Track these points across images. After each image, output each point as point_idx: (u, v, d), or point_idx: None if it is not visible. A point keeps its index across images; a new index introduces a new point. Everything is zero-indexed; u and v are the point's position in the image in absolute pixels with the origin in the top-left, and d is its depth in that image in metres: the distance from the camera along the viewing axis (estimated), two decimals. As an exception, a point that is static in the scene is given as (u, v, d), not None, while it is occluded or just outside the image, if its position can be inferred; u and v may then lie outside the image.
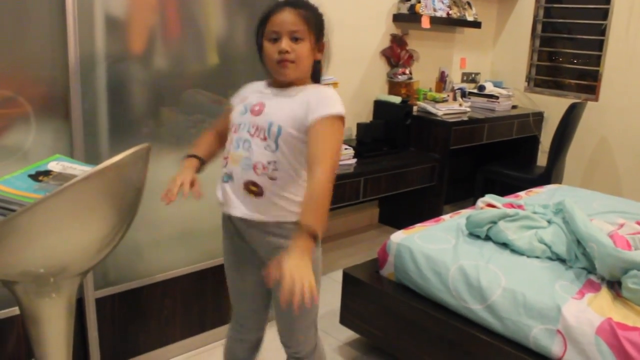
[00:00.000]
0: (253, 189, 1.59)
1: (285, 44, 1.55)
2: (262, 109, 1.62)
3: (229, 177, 1.64)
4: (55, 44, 1.88)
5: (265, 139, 1.58)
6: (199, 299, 2.48)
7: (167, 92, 2.21)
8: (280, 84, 1.64)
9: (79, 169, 1.51)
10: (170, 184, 1.61)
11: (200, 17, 2.23)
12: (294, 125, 1.57)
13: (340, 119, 1.56)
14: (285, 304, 1.26)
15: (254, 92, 1.69)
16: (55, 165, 1.52)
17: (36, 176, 1.45)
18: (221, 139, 1.76)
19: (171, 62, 2.20)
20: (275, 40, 1.57)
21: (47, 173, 1.47)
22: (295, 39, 1.57)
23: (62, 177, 1.46)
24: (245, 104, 1.66)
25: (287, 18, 1.56)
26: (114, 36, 2.02)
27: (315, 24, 1.61)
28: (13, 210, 1.33)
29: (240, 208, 1.62)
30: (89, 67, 1.97)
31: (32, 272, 1.42)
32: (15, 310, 1.95)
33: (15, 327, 1.97)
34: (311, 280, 1.28)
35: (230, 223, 1.71)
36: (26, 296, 1.49)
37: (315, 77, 1.70)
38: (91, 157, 1.99)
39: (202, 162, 1.75)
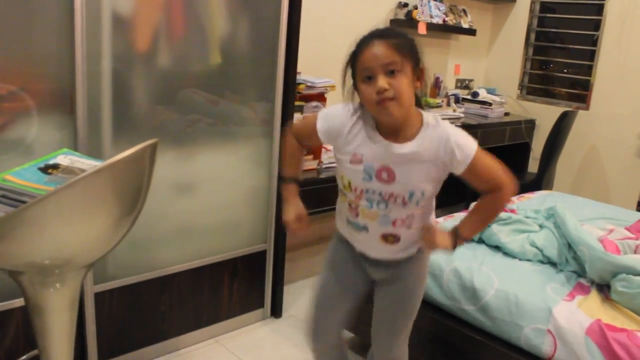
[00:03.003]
0: (391, 239, 1.64)
1: (381, 81, 1.40)
2: (393, 176, 1.53)
3: (362, 228, 1.64)
4: (63, 40, 1.91)
5: (405, 203, 1.57)
6: (195, 295, 2.51)
7: (170, 90, 2.24)
8: (387, 125, 1.51)
9: (87, 163, 1.54)
10: (288, 221, 1.71)
11: (204, 17, 2.27)
12: (434, 184, 1.58)
13: (479, 148, 1.56)
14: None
15: (362, 138, 1.54)
16: (64, 158, 1.55)
17: (45, 169, 1.47)
18: (302, 150, 1.80)
19: (175, 61, 2.23)
20: (370, 79, 1.42)
21: (55, 166, 1.50)
22: (391, 72, 1.41)
23: (70, 171, 1.49)
24: (366, 166, 1.53)
25: (378, 52, 1.40)
26: (120, 34, 2.05)
27: (410, 51, 1.46)
28: (24, 202, 1.36)
29: (374, 252, 1.70)
30: (95, 64, 2.00)
31: (37, 263, 1.45)
32: (14, 303, 1.97)
33: (14, 319, 2.00)
34: (443, 244, 1.60)
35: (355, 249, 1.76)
36: (31, 286, 1.51)
37: (418, 104, 1.56)
38: (94, 152, 2.02)
39: (299, 184, 1.78)
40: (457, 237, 1.63)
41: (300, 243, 3.57)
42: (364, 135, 1.53)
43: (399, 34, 1.47)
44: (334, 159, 1.71)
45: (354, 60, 1.46)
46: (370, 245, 1.68)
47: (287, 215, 1.71)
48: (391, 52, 1.41)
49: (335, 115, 1.59)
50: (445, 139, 1.52)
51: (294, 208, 1.72)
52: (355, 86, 1.51)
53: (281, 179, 1.80)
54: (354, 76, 1.49)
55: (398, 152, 1.51)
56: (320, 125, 1.60)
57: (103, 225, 1.47)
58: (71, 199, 1.33)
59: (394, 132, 1.52)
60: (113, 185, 1.41)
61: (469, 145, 1.53)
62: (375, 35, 1.44)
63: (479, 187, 1.60)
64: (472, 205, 1.75)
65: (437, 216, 3.11)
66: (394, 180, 1.53)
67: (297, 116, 2.73)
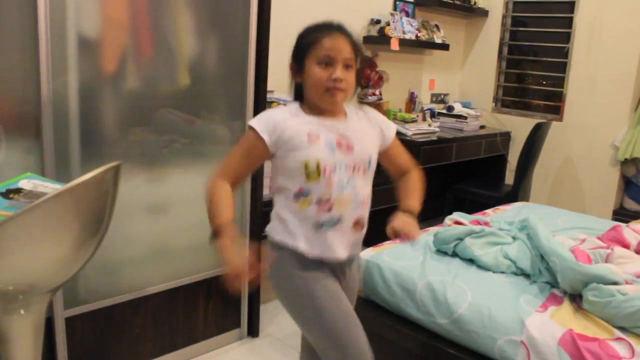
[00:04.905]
0: (359, 227, 1.68)
1: (340, 71, 1.52)
2: (350, 144, 1.60)
3: (337, 221, 1.60)
4: (27, 63, 1.90)
5: (365, 172, 1.64)
6: (170, 317, 2.48)
7: (139, 111, 2.23)
8: (322, 112, 1.60)
9: (50, 187, 1.53)
10: (235, 275, 1.46)
11: (172, 38, 2.27)
12: (377, 148, 1.70)
13: None
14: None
15: (305, 123, 1.58)
16: (26, 183, 1.53)
17: (7, 194, 1.46)
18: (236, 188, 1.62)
19: (143, 82, 2.22)
20: (327, 64, 1.53)
21: (18, 191, 1.48)
22: (347, 67, 1.54)
23: (33, 195, 1.48)
24: (326, 140, 1.56)
25: (342, 45, 1.53)
26: (87, 56, 2.04)
27: (361, 53, 1.60)
28: (-17, 228, 1.34)
29: (346, 250, 1.67)
30: (61, 87, 1.99)
31: (0, 289, 1.43)
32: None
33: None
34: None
35: (326, 265, 1.65)
36: (-5, 314, 1.49)
37: None
38: (62, 176, 2.00)
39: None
40: (415, 217, 1.68)
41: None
42: (307, 119, 1.59)
43: (355, 36, 1.60)
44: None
45: (314, 43, 1.53)
46: (342, 241, 1.64)
47: (230, 268, 1.46)
48: (351, 50, 1.55)
49: (269, 113, 1.61)
50: (371, 112, 1.74)
51: (237, 258, 1.46)
52: (298, 66, 1.59)
53: (214, 235, 1.49)
54: (303, 57, 1.56)
55: (343, 124, 1.63)
56: (262, 128, 1.56)
57: (66, 249, 1.45)
58: (31, 224, 1.32)
59: (324, 114, 1.61)
60: (75, 209, 1.40)
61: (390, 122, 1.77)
62: (339, 29, 1.56)
63: (397, 165, 1.79)
64: (402, 187, 1.79)
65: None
66: (352, 148, 1.60)
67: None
